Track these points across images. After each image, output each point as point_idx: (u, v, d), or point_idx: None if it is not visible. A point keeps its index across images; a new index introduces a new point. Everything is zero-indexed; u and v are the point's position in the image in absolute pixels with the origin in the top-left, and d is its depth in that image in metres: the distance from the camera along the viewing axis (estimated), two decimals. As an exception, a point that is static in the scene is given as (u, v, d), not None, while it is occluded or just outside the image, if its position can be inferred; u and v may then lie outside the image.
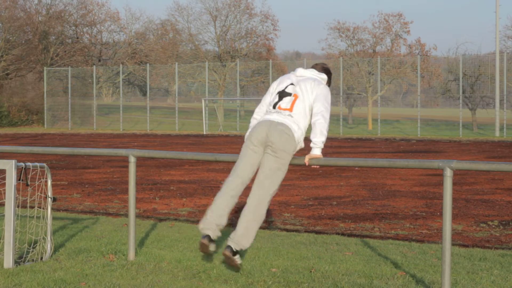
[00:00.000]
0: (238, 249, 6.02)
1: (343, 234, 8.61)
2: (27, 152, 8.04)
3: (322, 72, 6.41)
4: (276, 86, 6.34)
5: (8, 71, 57.29)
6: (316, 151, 6.01)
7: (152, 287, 5.91)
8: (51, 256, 6.99)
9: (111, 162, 20.10)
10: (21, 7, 60.45)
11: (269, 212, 8.75)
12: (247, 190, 6.17)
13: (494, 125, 43.79)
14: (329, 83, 6.47)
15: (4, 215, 6.63)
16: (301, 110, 6.13)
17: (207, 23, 64.34)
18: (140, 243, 7.68)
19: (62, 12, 63.19)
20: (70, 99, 53.82)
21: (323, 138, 6.02)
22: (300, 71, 6.38)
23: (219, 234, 6.10)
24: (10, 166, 6.60)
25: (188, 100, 65.43)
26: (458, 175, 15.71)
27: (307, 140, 6.06)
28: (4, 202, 6.62)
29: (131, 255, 6.97)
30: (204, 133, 46.43)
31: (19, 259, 6.74)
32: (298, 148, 6.18)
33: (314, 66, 6.48)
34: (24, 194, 7.05)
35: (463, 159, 21.79)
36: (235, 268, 6.09)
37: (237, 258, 6.03)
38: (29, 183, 6.83)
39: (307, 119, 6.15)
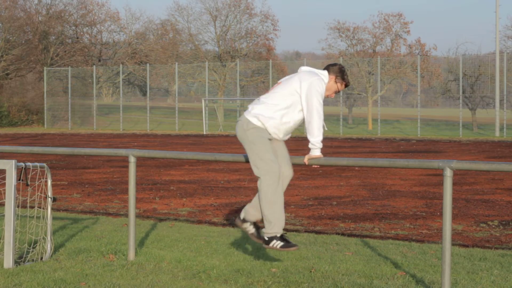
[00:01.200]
0: (268, 237, 6.02)
1: (343, 234, 8.61)
2: (27, 152, 8.04)
3: (324, 70, 6.30)
4: None
5: (8, 71, 57.28)
6: (316, 152, 5.96)
7: (152, 287, 5.91)
8: (51, 256, 6.98)
9: (111, 162, 20.10)
10: (21, 7, 60.44)
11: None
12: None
13: (494, 125, 43.80)
14: (342, 82, 6.21)
15: (4, 215, 6.63)
16: (277, 91, 6.07)
17: (207, 23, 64.38)
18: (140, 243, 7.68)
19: (62, 12, 63.19)
20: (70, 99, 53.83)
21: (321, 137, 5.95)
22: (301, 68, 6.33)
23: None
24: (10, 166, 6.60)
25: (188, 100, 65.45)
26: (458, 175, 15.71)
27: (306, 140, 6.01)
28: (4, 202, 6.62)
29: (131, 255, 6.97)
30: (204, 133, 46.43)
31: (19, 259, 6.73)
32: (264, 124, 6.03)
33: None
34: (24, 194, 7.05)
35: (463, 159, 21.79)
36: (282, 251, 6.13)
37: (274, 244, 6.00)
38: (29, 183, 6.83)
39: (284, 99, 6.02)
